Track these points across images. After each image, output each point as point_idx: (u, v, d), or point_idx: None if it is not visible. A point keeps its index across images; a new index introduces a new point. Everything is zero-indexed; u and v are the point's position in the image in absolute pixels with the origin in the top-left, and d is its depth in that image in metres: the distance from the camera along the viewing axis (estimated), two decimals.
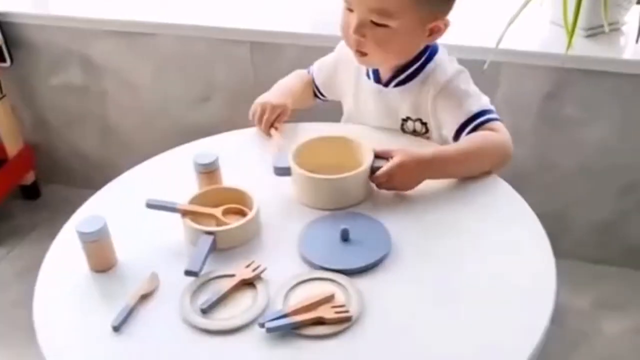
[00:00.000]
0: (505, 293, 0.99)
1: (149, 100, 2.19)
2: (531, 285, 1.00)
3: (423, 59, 1.28)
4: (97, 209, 1.18)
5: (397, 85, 1.30)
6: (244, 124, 1.42)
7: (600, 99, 1.75)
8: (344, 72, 1.41)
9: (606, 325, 1.84)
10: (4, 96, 2.23)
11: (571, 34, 1.59)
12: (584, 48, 1.70)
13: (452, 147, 1.23)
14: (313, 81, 1.48)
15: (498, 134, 1.22)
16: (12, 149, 2.31)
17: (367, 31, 1.19)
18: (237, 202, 1.14)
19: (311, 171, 1.16)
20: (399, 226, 1.11)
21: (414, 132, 1.34)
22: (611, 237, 1.97)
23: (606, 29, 1.62)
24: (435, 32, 1.24)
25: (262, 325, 0.92)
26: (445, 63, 1.29)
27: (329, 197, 1.16)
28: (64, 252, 1.12)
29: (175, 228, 1.11)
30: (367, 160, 1.16)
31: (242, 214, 1.12)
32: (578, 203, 1.94)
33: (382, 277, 1.02)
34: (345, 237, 1.06)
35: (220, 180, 1.20)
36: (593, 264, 1.99)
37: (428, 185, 1.19)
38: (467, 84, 1.28)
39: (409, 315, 0.96)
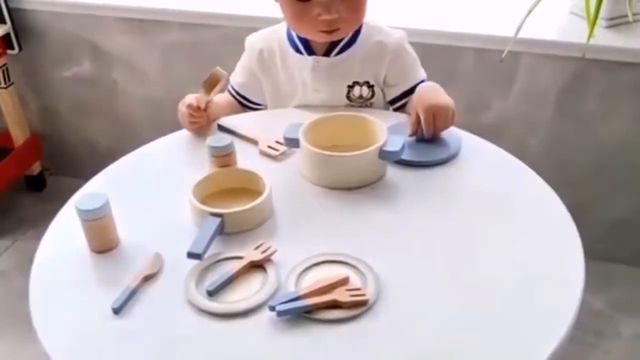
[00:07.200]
0: (525, 285, 0.94)
1: (159, 90, 2.17)
2: (555, 279, 0.95)
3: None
4: (100, 188, 1.15)
5: (339, 52, 1.34)
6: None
7: (620, 92, 1.72)
8: (267, 60, 1.39)
9: (622, 325, 1.81)
10: (11, 84, 2.21)
11: (593, 23, 1.55)
12: (606, 38, 1.67)
13: None
14: (233, 92, 1.45)
15: None
16: (18, 138, 2.29)
17: (338, 7, 1.25)
18: (248, 185, 1.11)
19: (323, 148, 1.14)
20: (418, 214, 1.08)
21: (360, 98, 1.36)
22: (627, 235, 1.93)
23: (630, 18, 1.58)
24: None
25: (272, 309, 0.88)
26: (377, 22, 1.37)
27: (334, 175, 1.14)
28: (64, 232, 1.09)
29: (182, 209, 1.07)
30: (379, 142, 1.13)
31: (254, 196, 1.07)
32: (593, 200, 1.90)
33: (399, 262, 0.98)
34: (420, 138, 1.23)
35: (234, 165, 1.16)
36: (608, 263, 1.93)
37: (448, 173, 1.16)
38: (412, 50, 1.39)
39: (425, 300, 0.92)
